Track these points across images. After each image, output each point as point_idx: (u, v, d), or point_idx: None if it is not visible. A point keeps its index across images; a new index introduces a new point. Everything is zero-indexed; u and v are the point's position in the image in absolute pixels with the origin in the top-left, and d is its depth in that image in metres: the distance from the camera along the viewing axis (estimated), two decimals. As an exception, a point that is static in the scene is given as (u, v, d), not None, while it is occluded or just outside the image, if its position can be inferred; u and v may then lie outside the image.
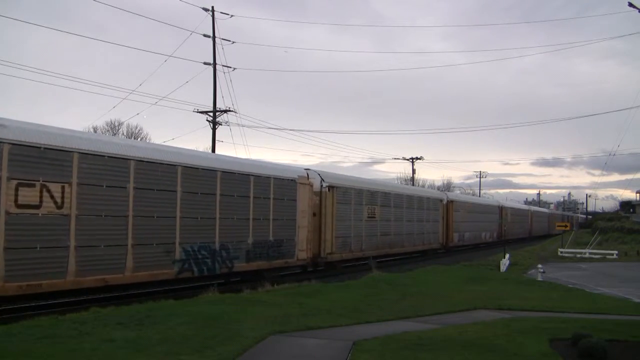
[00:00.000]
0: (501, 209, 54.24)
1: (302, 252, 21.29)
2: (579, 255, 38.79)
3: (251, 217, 18.60)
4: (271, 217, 19.55)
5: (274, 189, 19.87)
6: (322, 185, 23.43)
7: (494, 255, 35.97)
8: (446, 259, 33.91)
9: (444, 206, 38.64)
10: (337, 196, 24.69)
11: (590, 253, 39.39)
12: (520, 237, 62.50)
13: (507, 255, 31.22)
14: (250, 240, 18.48)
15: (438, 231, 37.37)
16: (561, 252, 40.29)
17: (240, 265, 18.10)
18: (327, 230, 23.73)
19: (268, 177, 19.70)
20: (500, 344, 9.24)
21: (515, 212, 61.80)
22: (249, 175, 18.74)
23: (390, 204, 30.10)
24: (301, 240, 21.21)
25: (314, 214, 22.49)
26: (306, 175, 22.07)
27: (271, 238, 19.52)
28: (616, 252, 39.13)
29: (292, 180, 21.01)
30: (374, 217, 28.07)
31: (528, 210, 71.05)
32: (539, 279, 22.74)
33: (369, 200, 27.58)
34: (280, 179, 20.39)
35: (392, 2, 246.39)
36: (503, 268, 27.88)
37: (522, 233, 63.38)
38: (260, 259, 18.97)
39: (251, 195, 18.70)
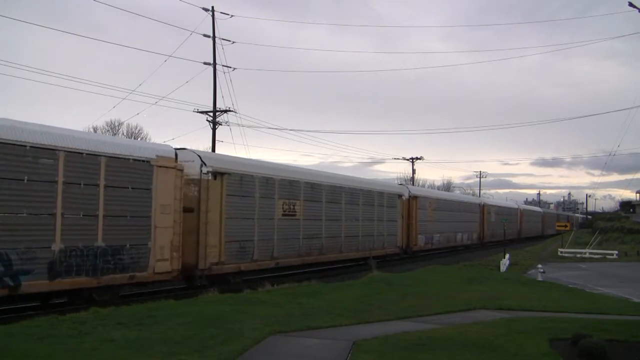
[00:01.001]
0: (482, 207, 48.41)
1: (163, 262, 15.48)
2: (579, 255, 38.81)
3: (59, 212, 12.82)
4: (101, 213, 13.76)
5: (107, 172, 14.01)
6: (202, 171, 17.29)
7: (475, 259, 35.59)
8: (399, 267, 28.23)
9: (404, 203, 31.95)
10: (228, 186, 18.17)
11: (590, 253, 39.40)
12: (508, 239, 55.41)
13: (507, 256, 31.23)
14: (56, 247, 12.74)
15: (396, 233, 30.59)
16: (561, 252, 40.30)
17: (34, 284, 12.35)
18: (211, 233, 17.28)
19: (94, 156, 13.72)
20: (500, 344, 9.24)
21: (501, 210, 55.81)
22: (51, 150, 12.75)
23: (321, 198, 23.46)
24: (161, 246, 15.41)
25: (189, 210, 16.78)
26: (172, 156, 16.04)
27: (100, 243, 13.79)
28: (616, 252, 39.13)
29: (144, 161, 15.07)
30: (294, 215, 21.40)
31: (517, 208, 64.34)
32: (539, 279, 22.74)
33: (285, 193, 20.88)
34: (120, 158, 14.35)
35: (393, 2, 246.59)
36: (503, 268, 27.89)
37: (509, 234, 56.92)
38: (79, 274, 13.27)
39: (60, 179, 12.86)
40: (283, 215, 20.78)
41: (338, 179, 26.09)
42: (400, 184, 34.42)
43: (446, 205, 39.45)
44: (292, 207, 21.41)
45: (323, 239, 23.47)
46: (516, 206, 65.62)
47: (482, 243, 47.81)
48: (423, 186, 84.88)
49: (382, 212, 29.14)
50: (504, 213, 54.66)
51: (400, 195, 31.79)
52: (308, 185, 22.62)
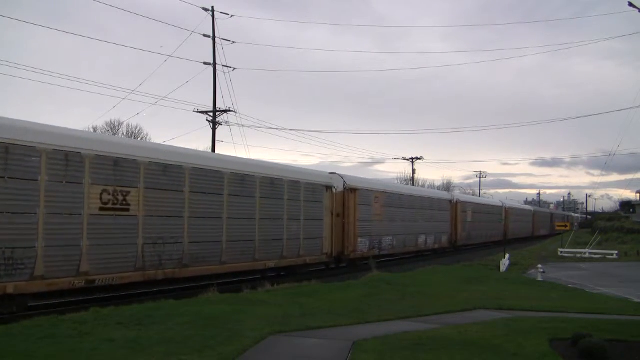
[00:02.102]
0: (455, 204, 40.78)
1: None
2: (579, 255, 38.78)
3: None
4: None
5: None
6: None
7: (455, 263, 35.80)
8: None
9: (336, 196, 24.59)
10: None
11: (590, 253, 39.37)
12: (492, 241, 50.11)
13: (507, 256, 31.24)
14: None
15: (321, 235, 23.03)
16: (561, 252, 40.28)
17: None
18: None
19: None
20: (500, 344, 9.25)
21: (481, 209, 47.94)
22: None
23: (183, 186, 16.27)
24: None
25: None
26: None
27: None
28: (616, 252, 39.10)
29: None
30: (127, 209, 14.65)
31: (501, 207, 56.16)
32: (539, 279, 22.75)
33: (108, 177, 14.17)
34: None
35: (393, 2, 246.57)
36: (503, 268, 27.90)
37: (492, 235, 50.34)
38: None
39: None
40: (103, 209, 13.96)
41: (214, 161, 18.26)
42: (332, 173, 25.46)
43: (402, 201, 31.47)
44: (121, 197, 14.48)
45: (186, 244, 16.23)
46: (500, 204, 57.40)
47: (455, 247, 40.54)
48: (423, 186, 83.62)
49: (296, 208, 21.24)
50: (484, 211, 47.73)
51: (328, 187, 23.83)
52: (160, 167, 15.56)
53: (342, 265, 26.41)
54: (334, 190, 24.41)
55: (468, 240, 43.17)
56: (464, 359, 8.30)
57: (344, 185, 25.70)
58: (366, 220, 27.12)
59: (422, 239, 34.20)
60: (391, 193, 30.65)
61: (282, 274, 21.63)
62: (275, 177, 20.47)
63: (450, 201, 40.21)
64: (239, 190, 18.42)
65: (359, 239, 26.32)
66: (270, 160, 29.90)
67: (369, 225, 27.44)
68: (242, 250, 18.49)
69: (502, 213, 54.81)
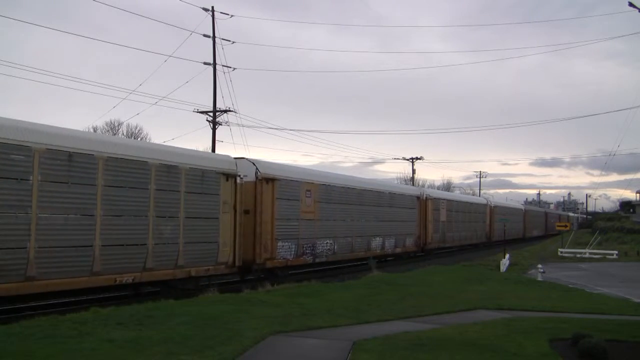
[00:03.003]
0: (425, 202, 34.61)
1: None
2: (578, 255, 38.80)
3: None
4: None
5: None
6: None
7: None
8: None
9: (239, 188, 18.30)
10: None
11: (590, 253, 39.39)
12: (473, 243, 44.69)
13: (507, 256, 31.24)
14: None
15: (217, 239, 17.12)
16: (561, 252, 40.30)
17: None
18: None
19: None
20: (500, 344, 9.25)
21: (459, 206, 41.21)
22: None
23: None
24: None
25: None
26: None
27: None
28: (616, 252, 39.13)
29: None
30: None
31: (485, 205, 49.62)
32: (539, 279, 22.75)
33: None
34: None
35: (393, 3, 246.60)
36: (503, 268, 27.90)
37: (473, 237, 44.75)
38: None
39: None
40: None
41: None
42: (239, 158, 19.57)
43: (349, 196, 25.55)
44: None
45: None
46: (484, 201, 51.09)
47: (424, 251, 34.68)
48: (423, 186, 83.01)
49: (172, 202, 15.70)
50: (463, 209, 42.29)
51: (228, 175, 17.60)
52: None
53: (249, 278, 20.08)
54: (238, 179, 18.10)
55: (442, 242, 37.44)
56: (464, 359, 8.31)
57: (256, 173, 19.51)
58: (290, 219, 20.97)
59: (377, 242, 27.78)
60: (330, 185, 24.14)
61: (149, 290, 16.19)
62: (134, 159, 14.59)
63: (418, 197, 33.84)
64: (65, 175, 12.85)
65: (279, 243, 20.23)
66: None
67: (296, 226, 21.30)
68: (67, 260, 12.79)
69: (486, 212, 48.55)
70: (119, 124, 53.02)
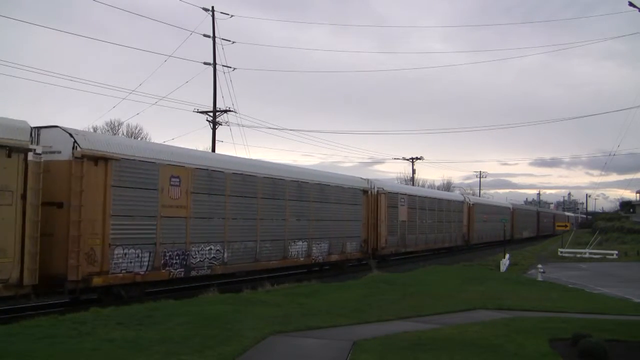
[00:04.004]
0: (377, 197, 28.39)
1: None
2: (579, 255, 38.79)
3: None
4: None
5: None
6: None
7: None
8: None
9: (27, 168, 12.40)
10: None
11: (590, 253, 39.38)
12: (446, 247, 39.32)
13: (507, 256, 31.25)
14: None
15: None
16: (561, 252, 40.30)
17: None
18: None
19: None
20: (500, 344, 9.25)
21: (425, 204, 35.25)
22: None
23: None
24: None
25: None
26: None
27: None
28: (616, 252, 39.11)
29: None
30: None
31: (462, 202, 43.31)
32: (539, 279, 22.75)
33: None
34: None
35: (393, 3, 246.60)
36: (503, 268, 27.90)
37: (448, 240, 39.11)
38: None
39: None
40: None
41: None
42: (45, 127, 13.82)
43: (247, 186, 19.05)
44: None
45: None
46: (461, 198, 44.53)
47: (375, 256, 27.82)
48: (423, 186, 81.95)
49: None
50: (432, 207, 36.28)
51: (11, 150, 12.12)
52: None
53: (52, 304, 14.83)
54: (32, 155, 12.51)
55: (401, 247, 31.23)
56: (463, 359, 8.31)
57: (74, 148, 13.70)
58: (141, 217, 15.27)
59: (298, 247, 21.93)
60: (216, 171, 17.77)
61: None
62: None
63: (366, 191, 27.33)
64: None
65: (118, 251, 14.52)
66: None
67: (151, 226, 15.52)
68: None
69: (463, 210, 42.47)
70: (119, 124, 53.04)
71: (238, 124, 41.21)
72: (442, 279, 20.60)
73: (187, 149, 19.12)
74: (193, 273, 16.77)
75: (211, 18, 32.01)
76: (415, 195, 34.54)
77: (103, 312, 11.32)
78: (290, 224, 21.45)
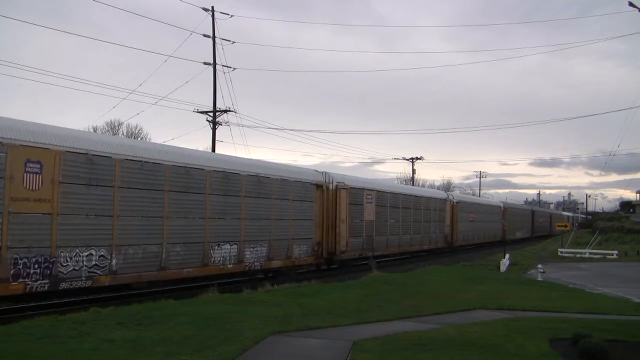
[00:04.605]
0: (335, 193, 24.31)
1: None
2: (578, 255, 38.80)
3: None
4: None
5: None
6: None
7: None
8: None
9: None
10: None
11: (590, 253, 39.40)
12: (425, 250, 35.02)
13: (507, 256, 31.26)
14: None
15: None
16: (561, 252, 40.31)
17: None
18: None
19: None
20: (500, 344, 9.25)
21: (397, 201, 30.80)
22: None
23: None
24: None
25: None
26: None
27: None
28: (616, 252, 39.13)
29: None
30: None
31: (445, 200, 39.02)
32: (539, 279, 22.75)
33: None
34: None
35: (394, 3, 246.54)
36: (503, 268, 27.92)
37: (427, 242, 34.96)
38: None
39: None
40: None
41: None
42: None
43: (155, 176, 15.58)
44: None
45: None
46: (443, 196, 39.95)
47: (333, 261, 24.78)
48: (423, 186, 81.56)
49: None
50: (408, 205, 31.88)
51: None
52: None
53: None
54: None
55: (367, 251, 26.91)
56: (464, 359, 8.31)
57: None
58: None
59: (225, 252, 17.85)
60: (97, 155, 14.00)
61: None
62: None
63: (320, 185, 23.18)
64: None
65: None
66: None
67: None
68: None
69: (445, 209, 38.29)
70: (119, 124, 53.03)
71: (238, 124, 41.25)
72: (442, 279, 20.59)
73: (57, 127, 13.98)
74: (64, 285, 13.00)
75: (211, 18, 32.01)
76: (386, 192, 30.09)
77: (103, 312, 11.32)
78: (213, 224, 17.27)
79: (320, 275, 22.72)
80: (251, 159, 22.24)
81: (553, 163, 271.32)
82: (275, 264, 20.45)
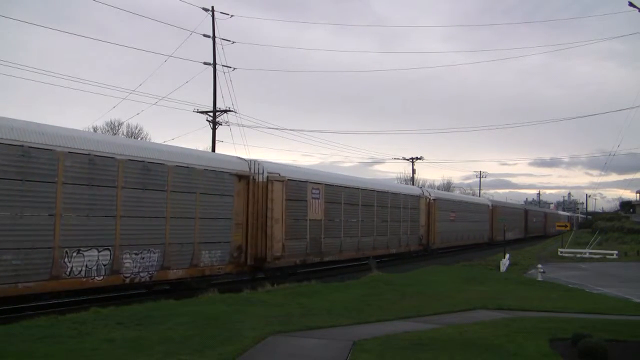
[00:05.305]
0: (267, 186, 19.62)
1: None
2: (578, 255, 38.80)
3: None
4: None
5: None
6: None
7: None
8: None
9: None
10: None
11: (590, 253, 39.40)
12: (389, 254, 29.87)
13: (507, 256, 31.24)
14: None
15: None
16: (561, 252, 40.31)
17: None
18: None
19: None
20: (500, 344, 9.25)
21: (353, 197, 25.91)
22: None
23: None
24: None
25: None
26: None
27: None
28: (616, 252, 39.13)
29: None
30: None
31: (418, 197, 34.02)
32: (539, 279, 22.75)
33: None
34: None
35: (394, 3, 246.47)
36: (503, 268, 27.91)
37: (387, 244, 29.27)
38: None
39: None
40: None
41: None
42: None
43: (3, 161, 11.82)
44: None
45: None
46: (418, 192, 35.22)
47: (267, 269, 19.97)
48: (423, 186, 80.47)
49: None
50: (364, 202, 26.83)
51: None
52: None
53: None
54: None
55: (314, 255, 22.60)
56: (464, 359, 8.30)
57: None
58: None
59: (90, 261, 13.68)
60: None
61: None
62: None
63: (244, 177, 18.80)
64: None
65: None
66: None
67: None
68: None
69: (419, 207, 33.56)
70: (119, 124, 53.00)
71: (238, 124, 41.28)
72: (442, 279, 20.58)
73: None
74: None
75: (211, 18, 32.00)
76: (340, 186, 25.03)
77: (103, 312, 11.31)
78: (68, 222, 13.19)
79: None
80: (136, 140, 15.85)
81: (553, 163, 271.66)
82: (174, 274, 16.11)
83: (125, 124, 54.03)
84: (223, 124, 32.38)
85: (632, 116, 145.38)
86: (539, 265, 25.06)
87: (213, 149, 31.37)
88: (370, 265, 23.79)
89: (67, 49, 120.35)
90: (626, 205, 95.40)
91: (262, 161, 20.48)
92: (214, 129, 31.82)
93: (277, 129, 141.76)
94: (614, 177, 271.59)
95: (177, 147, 18.71)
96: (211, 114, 31.93)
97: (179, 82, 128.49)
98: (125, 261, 14.61)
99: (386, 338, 9.56)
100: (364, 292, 16.35)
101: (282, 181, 20.49)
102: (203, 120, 38.05)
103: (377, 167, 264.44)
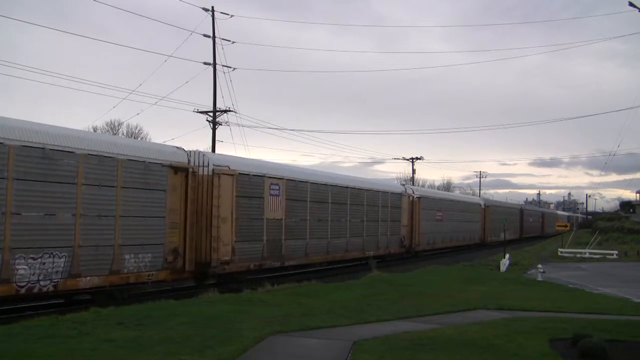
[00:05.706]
0: (213, 180, 17.18)
1: None
2: (579, 255, 38.81)
3: None
4: None
5: None
6: None
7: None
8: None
9: None
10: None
11: (590, 253, 39.41)
12: (363, 256, 26.62)
13: (507, 256, 31.25)
14: None
15: None
16: (561, 252, 40.33)
17: None
18: None
19: None
20: (500, 344, 9.25)
21: (318, 193, 23.11)
22: None
23: None
24: None
25: None
26: None
27: None
28: (616, 252, 39.14)
29: None
30: None
31: (401, 195, 31.69)
32: (539, 279, 22.75)
33: None
34: None
35: (394, 3, 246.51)
36: (503, 268, 27.91)
37: (359, 246, 26.34)
38: None
39: None
40: None
41: None
42: None
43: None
44: None
45: None
46: (400, 190, 32.42)
47: (214, 275, 17.88)
48: (423, 186, 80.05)
49: None
50: (335, 199, 24.21)
51: None
52: None
53: None
54: None
55: (273, 259, 20.09)
56: (464, 359, 8.31)
57: None
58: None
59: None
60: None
61: None
62: None
63: (182, 169, 16.49)
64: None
65: None
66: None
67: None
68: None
69: (401, 206, 31.24)
70: (119, 124, 52.98)
71: (238, 124, 41.30)
72: (442, 279, 20.59)
73: None
74: None
75: (211, 18, 32.01)
76: (304, 181, 22.32)
77: (103, 312, 11.31)
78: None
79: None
80: (33, 122, 13.45)
81: (553, 163, 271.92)
82: (88, 282, 13.60)
83: (125, 124, 54.07)
84: (223, 124, 32.41)
85: (632, 116, 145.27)
86: (539, 265, 25.07)
87: (213, 149, 31.37)
88: (370, 265, 23.80)
89: (67, 49, 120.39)
90: (626, 205, 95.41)
91: (207, 152, 18.81)
92: (214, 129, 31.83)
93: (277, 129, 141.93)
94: (613, 177, 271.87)
95: (91, 132, 15.62)
96: (211, 114, 31.94)
97: (179, 82, 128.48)
98: (18, 267, 12.06)
99: (386, 338, 9.56)
100: (364, 292, 16.35)
101: (233, 175, 18.10)
102: (203, 120, 37.97)
103: (377, 167, 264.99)
